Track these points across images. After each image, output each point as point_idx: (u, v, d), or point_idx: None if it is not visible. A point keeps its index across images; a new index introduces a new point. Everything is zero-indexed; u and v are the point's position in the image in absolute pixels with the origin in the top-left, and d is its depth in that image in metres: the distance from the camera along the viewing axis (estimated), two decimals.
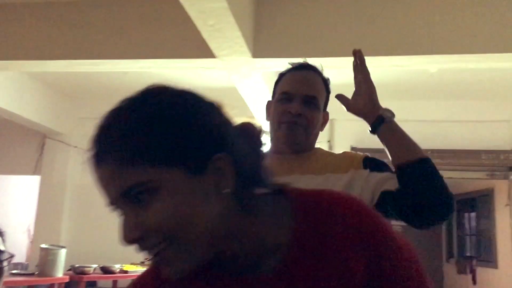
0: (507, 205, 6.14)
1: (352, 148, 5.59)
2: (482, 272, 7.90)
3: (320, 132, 1.50)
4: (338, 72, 2.61)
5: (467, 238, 9.12)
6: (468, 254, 8.84)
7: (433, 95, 5.95)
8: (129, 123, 0.66)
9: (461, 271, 8.62)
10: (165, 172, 0.65)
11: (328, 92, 1.50)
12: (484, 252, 8.00)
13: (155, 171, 0.64)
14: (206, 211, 0.66)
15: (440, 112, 6.11)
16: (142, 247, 0.67)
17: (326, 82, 1.49)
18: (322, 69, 1.50)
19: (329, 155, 1.53)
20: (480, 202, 8.25)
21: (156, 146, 0.65)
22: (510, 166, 5.94)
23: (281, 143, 1.43)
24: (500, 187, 6.82)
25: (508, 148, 5.96)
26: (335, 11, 3.59)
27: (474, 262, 8.23)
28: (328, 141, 6.05)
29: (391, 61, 3.57)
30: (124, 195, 0.65)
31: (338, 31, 3.55)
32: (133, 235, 0.66)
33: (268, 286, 0.72)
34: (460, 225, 9.36)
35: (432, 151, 6.08)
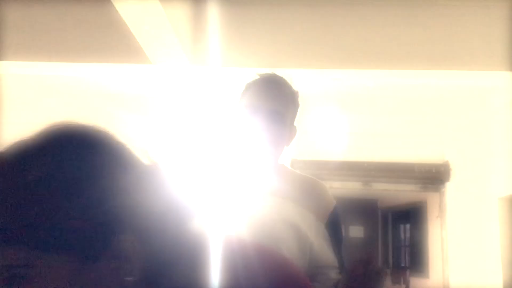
0: (438, 216, 6.37)
1: (293, 160, 5.59)
2: (415, 282, 8.15)
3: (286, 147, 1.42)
4: None
5: (402, 249, 9.41)
6: (403, 265, 9.11)
7: (371, 109, 6.09)
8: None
9: (395, 281, 8.86)
10: (43, 257, 0.50)
11: (296, 105, 1.42)
12: (418, 263, 8.27)
13: (30, 254, 0.49)
14: None
15: (376, 126, 6.26)
16: None
17: (294, 95, 1.41)
18: (291, 81, 1.42)
19: (293, 177, 1.43)
20: (413, 214, 8.54)
21: (31, 223, 0.49)
22: (441, 179, 6.17)
23: (245, 158, 1.38)
24: (432, 199, 7.07)
25: (439, 161, 6.20)
26: (281, 23, 3.56)
27: (407, 272, 8.49)
28: None
29: (331, 74, 3.59)
30: None
31: (278, 43, 3.52)
32: None
33: None
34: (395, 236, 9.64)
35: (369, 163, 6.24)
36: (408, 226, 9.02)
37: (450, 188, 6.12)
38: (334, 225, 1.37)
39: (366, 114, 6.14)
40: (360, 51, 3.52)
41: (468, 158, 6.10)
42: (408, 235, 9.08)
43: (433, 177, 6.15)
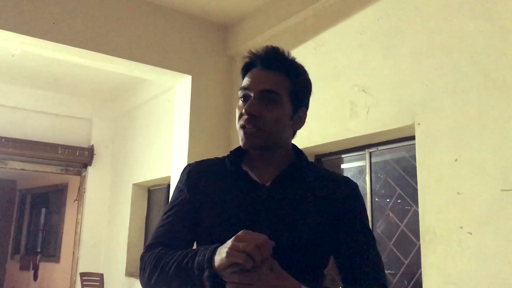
0: (76, 200, 6.30)
1: None
2: (46, 267, 7.85)
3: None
4: None
5: (39, 233, 8.90)
6: (38, 250, 8.62)
7: (15, 80, 5.48)
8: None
9: (23, 267, 8.32)
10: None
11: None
12: (51, 248, 7.98)
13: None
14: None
15: (21, 99, 5.70)
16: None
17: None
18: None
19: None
20: (53, 197, 8.21)
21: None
22: (84, 163, 6.13)
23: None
24: (73, 182, 6.96)
25: (85, 145, 6.15)
26: None
27: (38, 257, 8.08)
28: None
29: None
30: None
31: None
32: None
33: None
34: (32, 220, 9.06)
35: (7, 139, 5.60)
36: (46, 209, 8.63)
37: (91, 172, 6.15)
38: None
39: (7, 84, 5.51)
40: (6, 11, 3.06)
41: (111, 145, 6.29)
42: (45, 218, 8.69)
43: (76, 160, 6.05)
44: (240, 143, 1.13)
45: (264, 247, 0.90)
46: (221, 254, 0.92)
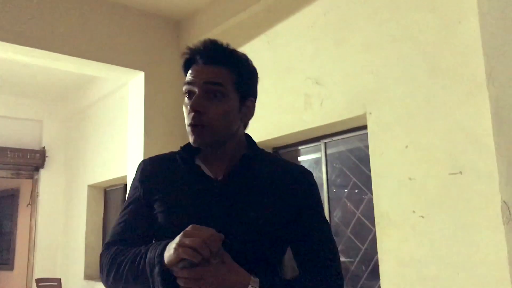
0: (28, 204, 6.08)
1: None
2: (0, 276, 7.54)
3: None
4: None
5: None
6: None
7: None
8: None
9: None
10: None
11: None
12: (3, 255, 7.67)
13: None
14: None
15: None
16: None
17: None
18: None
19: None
20: (4, 203, 7.89)
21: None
22: (36, 166, 5.93)
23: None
24: (25, 186, 6.72)
25: (36, 147, 5.94)
26: None
27: None
28: None
29: None
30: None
31: None
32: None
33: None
34: None
35: None
36: None
37: (44, 175, 5.95)
38: None
39: None
40: None
41: (63, 146, 6.11)
42: None
43: (27, 163, 5.84)
44: (190, 141, 1.12)
45: (211, 241, 0.92)
46: (169, 250, 0.94)
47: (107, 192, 5.53)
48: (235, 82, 1.11)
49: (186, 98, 1.13)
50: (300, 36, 3.02)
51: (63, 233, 5.87)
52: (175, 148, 1.25)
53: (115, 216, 5.26)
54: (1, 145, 5.65)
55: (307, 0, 2.98)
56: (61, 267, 5.72)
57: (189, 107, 1.09)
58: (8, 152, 5.70)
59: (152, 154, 1.25)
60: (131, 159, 3.85)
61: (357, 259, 2.82)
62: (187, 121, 1.11)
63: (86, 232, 5.36)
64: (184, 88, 1.13)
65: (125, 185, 4.73)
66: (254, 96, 1.19)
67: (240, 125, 1.16)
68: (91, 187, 5.47)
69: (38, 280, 5.21)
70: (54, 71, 4.72)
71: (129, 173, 3.92)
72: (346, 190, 2.97)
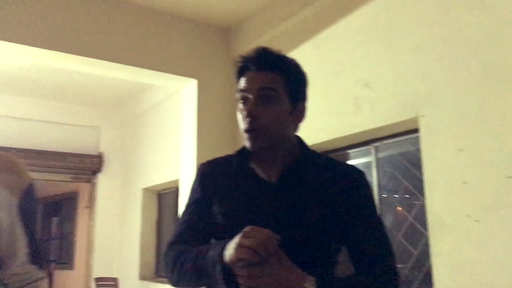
0: (87, 207, 6.38)
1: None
2: (60, 275, 7.92)
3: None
4: None
5: (52, 242, 8.99)
6: (51, 258, 8.71)
7: (23, 91, 5.57)
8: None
9: None
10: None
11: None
12: (64, 255, 8.07)
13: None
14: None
15: (28, 110, 5.79)
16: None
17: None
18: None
19: None
20: (65, 206, 8.29)
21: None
22: (93, 170, 6.22)
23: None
24: (84, 190, 7.04)
25: (93, 153, 6.23)
26: None
27: (52, 266, 8.17)
28: None
29: None
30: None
31: None
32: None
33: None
34: (45, 229, 9.14)
35: (17, 150, 5.69)
36: (58, 217, 8.72)
37: (101, 179, 6.23)
38: (29, 200, 1.36)
39: (14, 95, 5.59)
40: (14, 24, 3.13)
41: (119, 151, 6.37)
42: (58, 226, 8.77)
43: (86, 167, 6.14)
44: (247, 146, 1.17)
45: (268, 242, 0.97)
46: (229, 249, 1.00)
47: (161, 195, 5.72)
48: (287, 87, 1.16)
49: (240, 104, 1.19)
50: (349, 40, 3.03)
51: (119, 235, 6.11)
52: (227, 152, 1.31)
53: (168, 219, 5.45)
54: (62, 150, 5.96)
55: (356, 4, 2.99)
56: (118, 267, 5.95)
57: (244, 112, 1.15)
58: (68, 157, 6.01)
59: (204, 159, 1.31)
60: (184, 163, 3.98)
61: (410, 264, 2.79)
62: (242, 126, 1.16)
63: (141, 234, 5.56)
64: (239, 95, 1.19)
65: (177, 188, 4.88)
66: (305, 99, 1.23)
67: (292, 128, 1.21)
68: (146, 190, 5.67)
69: (96, 279, 5.46)
70: (110, 79, 4.97)
71: (182, 177, 4.04)
72: (397, 194, 2.94)
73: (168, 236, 5.44)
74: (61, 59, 3.52)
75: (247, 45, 3.82)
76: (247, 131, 1.15)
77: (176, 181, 4.69)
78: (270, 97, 1.14)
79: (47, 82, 5.29)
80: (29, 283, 1.33)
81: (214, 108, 3.96)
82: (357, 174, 1.21)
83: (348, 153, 3.24)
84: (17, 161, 1.41)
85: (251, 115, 1.13)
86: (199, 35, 3.98)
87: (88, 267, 6.07)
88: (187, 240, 1.17)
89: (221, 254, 1.01)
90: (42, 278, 1.37)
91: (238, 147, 1.25)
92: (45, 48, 3.32)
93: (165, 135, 5.22)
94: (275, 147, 1.18)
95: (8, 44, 3.22)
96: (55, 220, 8.90)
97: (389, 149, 3.00)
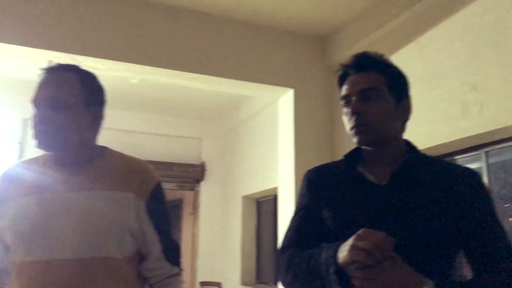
0: (191, 214, 6.71)
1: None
2: None
3: None
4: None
5: None
6: None
7: (132, 106, 6.03)
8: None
9: None
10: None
11: (86, 89, 1.38)
12: None
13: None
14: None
15: (138, 124, 6.25)
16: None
17: (78, 81, 1.37)
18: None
19: (114, 160, 1.44)
20: (171, 213, 8.75)
21: None
22: (197, 179, 6.54)
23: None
24: (188, 198, 7.42)
25: (197, 162, 6.56)
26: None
27: None
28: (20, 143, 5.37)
29: (87, 61, 3.39)
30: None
31: (29, 20, 3.17)
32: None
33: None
34: None
35: None
36: None
37: (204, 187, 6.53)
38: (156, 200, 1.39)
39: (124, 110, 6.07)
40: (125, 44, 3.44)
41: (220, 160, 6.63)
42: None
43: (189, 176, 6.48)
44: (355, 142, 1.19)
45: (383, 244, 0.97)
46: (343, 251, 1.01)
47: (259, 203, 5.85)
48: (388, 84, 1.18)
49: (345, 108, 1.21)
50: (453, 41, 2.89)
51: (221, 241, 6.35)
52: (324, 160, 1.34)
53: (266, 226, 5.56)
54: (168, 160, 6.35)
55: (460, 4, 2.86)
56: (220, 272, 6.18)
57: (349, 111, 1.17)
58: (173, 167, 6.39)
59: (303, 167, 1.35)
60: (282, 171, 4.05)
61: None
62: (349, 125, 1.18)
63: (242, 241, 5.72)
64: (342, 101, 1.22)
65: (276, 196, 4.96)
66: (408, 97, 1.23)
67: (399, 125, 1.21)
68: (245, 198, 5.84)
69: (202, 283, 5.71)
70: (210, 93, 5.21)
71: (280, 185, 4.11)
72: (510, 204, 2.74)
73: (267, 243, 5.53)
74: (167, 76, 3.77)
75: (343, 52, 3.80)
76: (353, 127, 1.16)
77: (275, 189, 4.77)
78: (373, 95, 1.16)
79: (154, 97, 5.69)
80: (165, 278, 1.43)
81: (311, 116, 3.99)
82: (474, 175, 1.17)
83: (454, 159, 3.09)
84: (144, 162, 1.46)
85: (356, 112, 1.15)
86: (295, 45, 4.05)
87: (193, 271, 6.37)
88: (297, 244, 1.21)
89: (334, 256, 1.02)
90: (177, 274, 1.45)
91: (335, 154, 1.27)
92: (154, 66, 3.59)
93: (263, 144, 5.35)
94: (384, 144, 1.18)
95: (122, 64, 3.53)
96: None
97: (502, 154, 2.80)
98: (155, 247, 1.39)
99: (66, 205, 1.29)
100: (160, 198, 1.41)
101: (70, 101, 1.32)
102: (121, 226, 1.31)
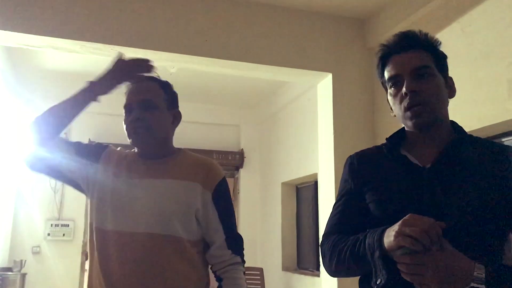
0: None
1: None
2: None
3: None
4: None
5: None
6: None
7: None
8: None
9: None
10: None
11: (167, 92, 1.66)
12: None
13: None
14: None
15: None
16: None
17: (162, 83, 1.65)
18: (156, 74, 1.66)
19: (186, 157, 1.67)
20: None
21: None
22: (236, 166, 6.61)
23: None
24: (228, 184, 7.49)
25: (235, 149, 6.62)
26: None
27: None
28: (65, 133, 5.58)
29: (128, 52, 3.46)
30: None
31: (70, 14, 3.26)
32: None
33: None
34: None
35: None
36: None
37: (243, 174, 6.59)
38: (220, 193, 1.56)
39: None
40: (163, 33, 3.49)
41: (258, 147, 6.66)
42: None
43: (229, 163, 6.55)
44: (409, 125, 1.15)
45: (431, 230, 0.94)
46: (389, 237, 0.99)
47: (299, 189, 5.85)
48: (436, 61, 1.16)
49: (392, 89, 1.18)
50: (499, 19, 2.78)
51: (262, 227, 6.40)
52: (364, 145, 1.32)
53: (306, 212, 5.56)
54: (208, 148, 6.44)
55: None
56: (261, 258, 6.24)
57: (403, 90, 1.14)
58: (214, 154, 6.47)
59: (342, 152, 1.35)
60: (322, 157, 4.02)
61: None
62: (402, 106, 1.15)
63: (282, 227, 5.75)
64: (389, 81, 1.19)
65: (316, 182, 4.94)
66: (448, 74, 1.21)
67: (447, 104, 1.19)
68: (284, 184, 5.85)
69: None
70: (248, 80, 5.22)
71: (320, 171, 4.09)
72: None
73: (307, 229, 5.53)
74: (205, 64, 3.80)
75: (383, 35, 3.71)
76: (409, 107, 1.13)
77: (314, 175, 4.76)
78: (425, 73, 1.14)
79: (193, 86, 5.76)
80: (227, 265, 1.56)
81: (350, 100, 3.93)
82: None
83: (503, 141, 2.98)
84: (210, 160, 1.70)
85: (411, 90, 1.12)
86: (333, 29, 3.99)
87: None
88: (341, 230, 1.21)
89: (380, 240, 1.01)
90: (238, 263, 1.57)
91: (376, 139, 1.25)
92: (192, 54, 3.62)
93: (302, 130, 5.33)
94: (438, 124, 1.15)
95: (161, 53, 3.58)
96: None
97: None
98: (218, 236, 1.55)
99: (147, 189, 1.53)
100: (224, 192, 1.62)
101: (158, 103, 1.60)
102: (187, 209, 1.51)
